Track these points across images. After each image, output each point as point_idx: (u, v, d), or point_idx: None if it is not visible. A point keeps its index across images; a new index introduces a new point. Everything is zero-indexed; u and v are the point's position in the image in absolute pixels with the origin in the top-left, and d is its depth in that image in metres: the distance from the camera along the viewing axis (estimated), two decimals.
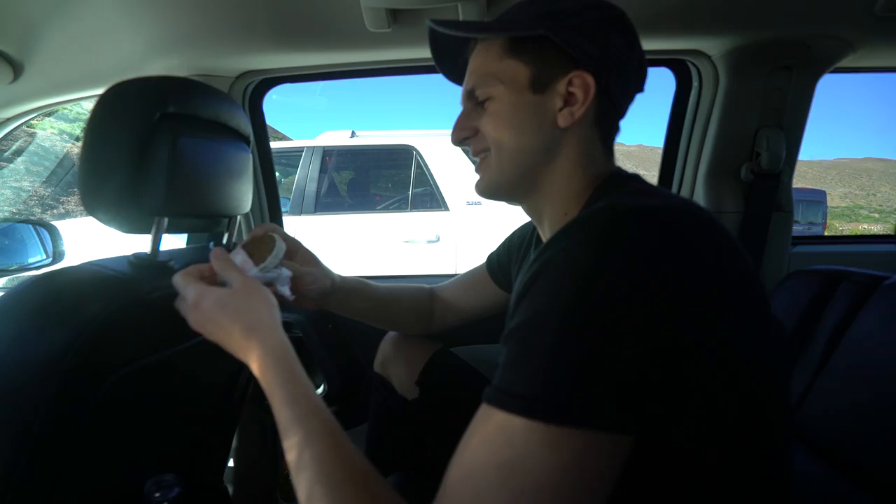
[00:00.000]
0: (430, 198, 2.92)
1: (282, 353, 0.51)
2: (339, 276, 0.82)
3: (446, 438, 0.80)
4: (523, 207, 0.62)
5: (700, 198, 1.10)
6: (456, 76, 0.65)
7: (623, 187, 0.52)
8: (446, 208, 2.83)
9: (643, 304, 0.34)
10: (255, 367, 0.51)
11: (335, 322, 1.19)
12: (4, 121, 1.11)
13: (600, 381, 0.33)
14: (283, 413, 0.48)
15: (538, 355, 0.35)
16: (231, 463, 1.18)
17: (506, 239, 0.86)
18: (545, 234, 0.62)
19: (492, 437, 0.36)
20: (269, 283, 0.62)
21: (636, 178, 0.55)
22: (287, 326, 1.16)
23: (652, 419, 0.33)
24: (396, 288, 0.91)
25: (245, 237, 1.16)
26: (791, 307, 0.84)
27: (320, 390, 1.18)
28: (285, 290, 0.65)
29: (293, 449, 0.45)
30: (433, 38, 0.61)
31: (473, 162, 0.62)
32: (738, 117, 1.03)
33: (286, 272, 0.65)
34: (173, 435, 0.79)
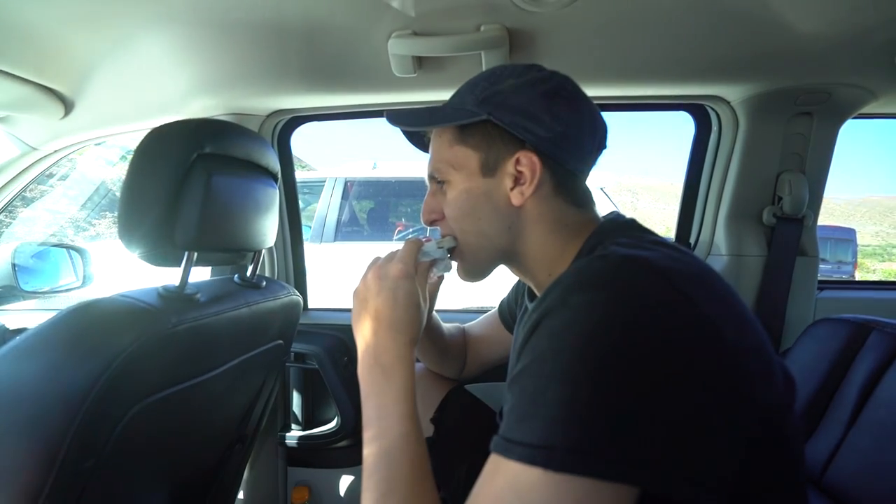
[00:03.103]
0: None
1: (414, 370, 0.53)
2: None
3: (460, 479, 0.78)
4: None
5: (721, 241, 1.09)
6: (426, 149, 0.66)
7: (616, 235, 0.51)
8: None
9: (636, 353, 0.35)
10: (389, 365, 0.52)
11: (350, 355, 1.20)
12: (53, 152, 1.18)
13: (600, 430, 0.34)
14: (392, 423, 0.49)
15: (537, 403, 0.36)
16: (241, 495, 1.17)
17: (514, 285, 0.87)
18: (534, 289, 0.62)
19: (497, 484, 0.36)
20: (432, 262, 0.61)
21: (630, 226, 0.54)
22: (302, 358, 1.18)
23: (650, 470, 0.33)
24: (451, 328, 0.91)
25: (267, 271, 1.19)
26: (817, 357, 0.81)
27: (332, 424, 1.18)
28: (434, 273, 0.64)
29: (380, 466, 0.46)
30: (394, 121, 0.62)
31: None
32: (758, 161, 1.03)
33: (450, 264, 0.64)
34: (187, 465, 0.79)
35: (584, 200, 0.57)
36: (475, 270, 0.61)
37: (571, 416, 0.34)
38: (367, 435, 0.49)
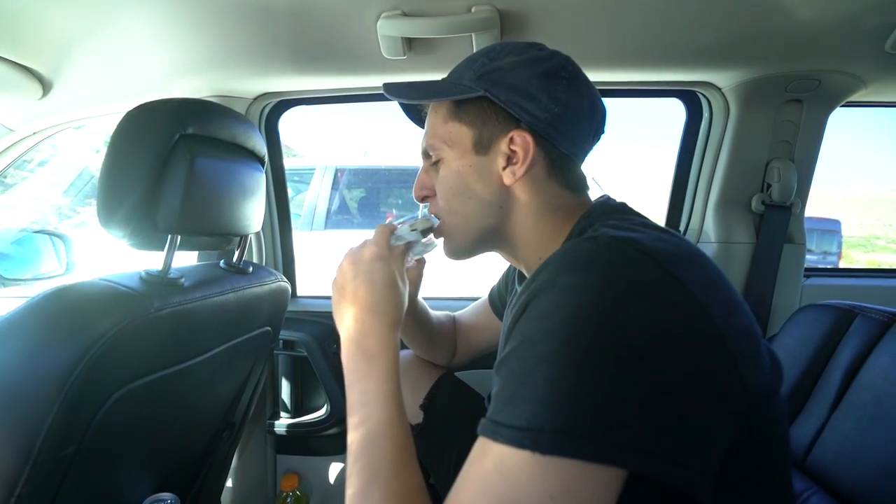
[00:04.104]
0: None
1: (398, 354, 0.52)
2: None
3: (449, 465, 0.78)
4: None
5: (710, 228, 1.09)
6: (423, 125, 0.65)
7: (606, 218, 0.50)
8: None
9: (626, 334, 0.35)
10: (370, 349, 0.52)
11: (339, 342, 1.19)
12: (31, 135, 1.15)
13: (588, 412, 0.33)
14: (375, 407, 0.48)
15: (526, 385, 0.36)
16: (230, 483, 1.16)
17: (504, 272, 0.87)
18: (526, 275, 0.62)
19: (485, 467, 0.36)
20: (407, 245, 0.61)
21: (621, 209, 0.54)
22: (291, 345, 1.17)
23: (638, 453, 0.33)
24: (441, 316, 0.91)
25: (255, 256, 1.17)
26: (803, 342, 0.82)
27: (322, 411, 1.17)
28: (412, 257, 0.63)
29: (366, 449, 0.46)
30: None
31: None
32: (748, 148, 1.03)
33: (427, 247, 0.64)
34: (173, 453, 0.79)
35: (577, 185, 0.56)
36: (461, 249, 0.60)
37: (559, 398, 0.34)
38: (352, 421, 0.48)
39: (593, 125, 0.56)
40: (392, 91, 0.58)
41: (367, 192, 3.40)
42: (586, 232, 0.49)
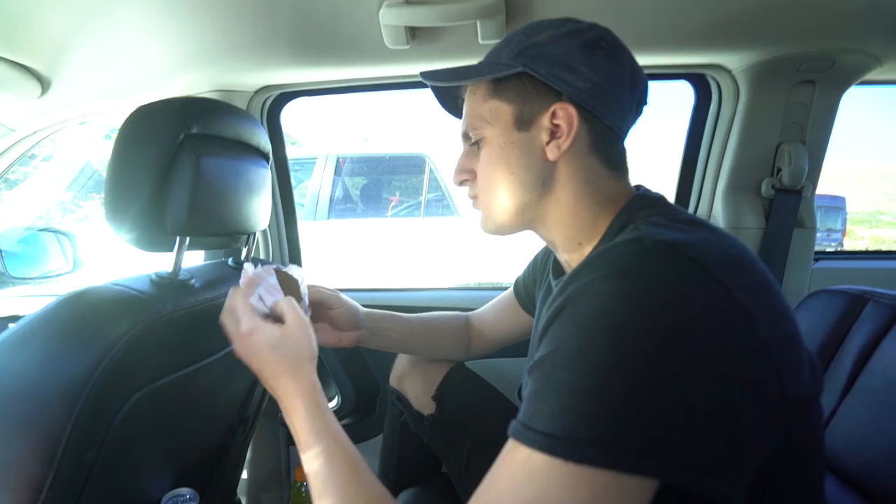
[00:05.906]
0: (440, 204, 3.01)
1: (314, 391, 0.55)
2: (366, 309, 0.84)
3: (462, 455, 0.79)
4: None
5: (719, 214, 1.08)
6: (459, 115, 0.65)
7: (647, 213, 0.49)
8: (457, 214, 2.94)
9: (668, 346, 0.34)
10: (289, 401, 0.54)
11: None
12: (32, 133, 1.14)
13: (624, 423, 0.33)
14: (310, 445, 0.51)
15: (559, 393, 0.35)
16: (244, 475, 1.18)
17: (531, 261, 0.86)
18: (562, 261, 0.61)
19: (514, 471, 0.36)
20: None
21: (661, 203, 0.53)
22: None
23: (674, 464, 0.33)
24: (431, 317, 0.91)
25: (262, 252, 1.17)
26: (814, 328, 0.82)
27: (333, 403, 1.19)
28: (304, 294, 0.66)
29: (317, 480, 0.48)
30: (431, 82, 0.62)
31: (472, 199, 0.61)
32: (759, 132, 1.01)
33: (299, 274, 0.66)
34: (190, 449, 0.80)
35: (618, 163, 0.55)
36: (500, 227, 0.59)
37: (594, 407, 0.33)
38: (306, 468, 0.51)
39: (636, 96, 0.54)
40: (429, 77, 0.58)
41: (370, 180, 3.40)
42: (626, 228, 0.48)
